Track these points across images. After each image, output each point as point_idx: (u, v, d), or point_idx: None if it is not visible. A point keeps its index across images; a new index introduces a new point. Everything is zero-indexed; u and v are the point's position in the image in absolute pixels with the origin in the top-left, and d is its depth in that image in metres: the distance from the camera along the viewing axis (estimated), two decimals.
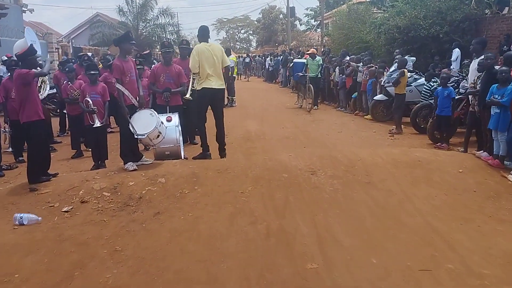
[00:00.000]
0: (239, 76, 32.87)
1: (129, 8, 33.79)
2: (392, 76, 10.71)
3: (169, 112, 7.63)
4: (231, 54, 16.42)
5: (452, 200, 5.50)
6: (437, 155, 6.90)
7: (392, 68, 11.07)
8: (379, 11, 22.68)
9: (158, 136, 6.60)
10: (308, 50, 15.73)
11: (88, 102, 7.45)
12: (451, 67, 13.22)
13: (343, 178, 6.04)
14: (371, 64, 12.22)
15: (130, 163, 6.56)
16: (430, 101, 9.82)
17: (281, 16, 51.87)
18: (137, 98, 6.61)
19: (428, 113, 9.60)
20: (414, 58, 11.41)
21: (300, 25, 51.74)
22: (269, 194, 5.71)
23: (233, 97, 15.04)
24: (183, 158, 7.45)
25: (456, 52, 13.73)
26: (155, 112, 6.61)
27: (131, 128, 6.36)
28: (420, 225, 4.81)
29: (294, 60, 16.63)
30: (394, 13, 18.07)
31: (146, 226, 5.03)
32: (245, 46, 67.80)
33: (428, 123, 8.87)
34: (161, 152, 7.28)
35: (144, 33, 35.27)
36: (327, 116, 12.71)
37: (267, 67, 28.31)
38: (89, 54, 25.24)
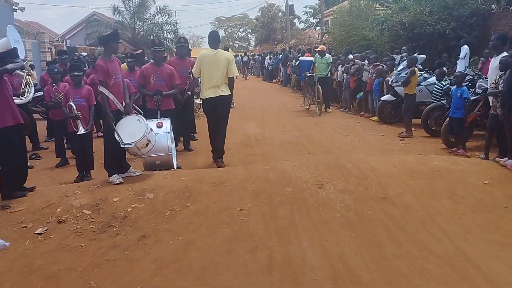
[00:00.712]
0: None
1: (126, 6, 32.94)
2: (400, 75, 9.95)
3: (160, 117, 6.88)
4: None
5: (482, 219, 4.74)
6: (458, 164, 6.14)
7: (400, 67, 10.30)
8: (381, 7, 21.91)
9: (147, 144, 5.84)
10: (317, 47, 13.98)
11: (72, 106, 6.68)
12: (465, 67, 12.48)
13: (355, 192, 5.28)
14: (377, 62, 11.45)
15: (115, 175, 5.81)
16: (442, 101, 9.08)
17: (280, 14, 51.01)
18: (123, 103, 5.87)
19: (441, 115, 8.85)
20: (424, 56, 10.66)
21: (300, 23, 50.98)
22: (271, 212, 4.96)
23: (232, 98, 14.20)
24: (175, 168, 6.71)
25: (465, 49, 12.95)
26: (143, 118, 5.86)
27: (116, 137, 5.61)
28: (450, 252, 4.05)
29: (300, 58, 14.61)
30: (398, 9, 17.31)
31: (129, 254, 4.27)
32: (244, 45, 67.00)
33: (442, 126, 8.10)
34: (151, 162, 6.53)
35: (142, 32, 34.48)
36: (330, 117, 11.95)
37: (266, 66, 27.51)
38: (84, 54, 24.51)
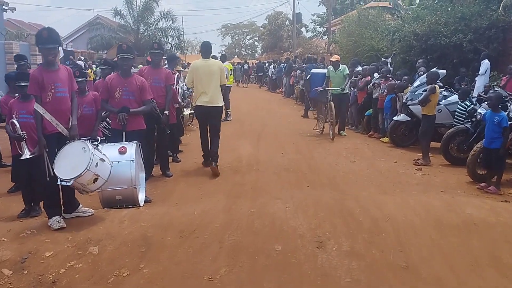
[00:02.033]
0: (237, 83, 31.79)
1: (129, 10, 31.65)
2: (417, 93, 8.53)
3: (126, 140, 5.50)
4: (226, 61, 14.21)
5: None
6: (497, 213, 4.70)
7: (417, 82, 8.87)
8: (392, 17, 20.54)
9: (96, 180, 4.44)
10: (332, 58, 11.12)
11: (15, 125, 5.30)
12: (485, 83, 11.11)
13: (366, 256, 3.85)
14: (389, 76, 10.05)
15: (55, 217, 4.44)
16: (466, 125, 7.66)
17: (287, 22, 49.63)
18: (70, 123, 4.49)
19: (464, 141, 7.44)
20: (445, 71, 9.23)
21: (306, 31, 49.66)
22: (253, 284, 3.55)
23: (228, 110, 12.81)
24: (141, 204, 5.31)
25: (485, 64, 11.55)
26: (90, 145, 4.45)
27: (51, 169, 4.23)
28: None
29: (312, 71, 11.77)
30: (411, 18, 15.97)
31: None
32: (250, 52, 65.65)
33: (469, 155, 6.67)
34: (110, 197, 5.14)
35: (145, 37, 33.18)
36: (337, 136, 10.50)
37: (270, 75, 26.11)
38: (82, 58, 23.26)
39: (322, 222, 4.39)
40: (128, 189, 5.12)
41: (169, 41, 33.56)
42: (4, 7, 16.52)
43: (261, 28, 56.15)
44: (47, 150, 4.27)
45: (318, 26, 46.77)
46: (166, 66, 8.85)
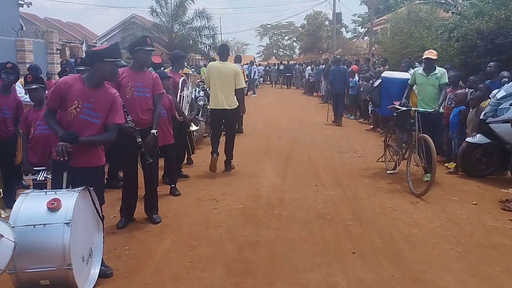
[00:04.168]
0: (272, 84, 30.57)
1: (162, 9, 30.06)
2: (501, 106, 6.13)
3: (69, 180, 3.42)
4: (240, 62, 11.97)
5: None
6: None
7: (501, 93, 6.43)
8: (446, 13, 17.84)
9: None
10: (427, 53, 6.74)
11: None
12: None
13: None
14: (460, 83, 7.63)
15: None
16: None
17: (326, 22, 47.07)
18: None
19: None
20: None
21: (347, 32, 46.85)
22: None
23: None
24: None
25: None
26: None
27: None
28: None
29: (383, 75, 7.48)
30: (472, 13, 13.36)
31: None
32: (288, 53, 63.24)
33: None
34: (29, 282, 3.09)
35: (179, 36, 31.47)
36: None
37: (307, 77, 23.78)
38: None
39: None
40: (58, 271, 3.05)
41: (203, 41, 31.77)
42: (20, 1, 14.99)
43: (300, 29, 53.74)
44: None
45: (359, 27, 43.93)
46: (170, 68, 6.82)
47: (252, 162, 7.56)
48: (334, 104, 13.11)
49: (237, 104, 6.86)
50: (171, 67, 6.81)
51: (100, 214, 3.58)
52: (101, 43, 30.90)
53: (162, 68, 7.29)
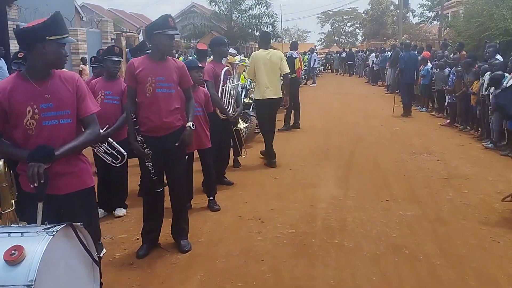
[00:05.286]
0: (335, 72, 29.27)
1: None
2: None
3: (49, 211, 2.46)
4: (296, 49, 10.40)
5: None
6: None
7: None
8: None
9: None
10: None
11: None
12: None
13: None
14: None
15: None
16: None
17: (392, 7, 44.28)
18: None
19: None
20: None
21: (413, 17, 43.83)
22: None
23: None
24: None
25: None
26: None
27: None
28: None
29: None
30: None
31: None
32: (350, 40, 60.57)
33: None
34: None
35: (238, 24, 30.56)
36: (467, 161, 6.71)
37: (371, 65, 22.00)
38: None
39: None
40: None
41: (263, 29, 30.64)
42: None
43: (363, 14, 51.08)
44: None
45: (428, 11, 40.85)
46: (212, 58, 5.77)
47: (308, 166, 6.40)
48: (404, 94, 11.58)
49: (281, 94, 6.62)
50: (212, 57, 5.76)
51: (95, 257, 2.59)
52: (142, 31, 30.68)
53: (207, 58, 6.29)
